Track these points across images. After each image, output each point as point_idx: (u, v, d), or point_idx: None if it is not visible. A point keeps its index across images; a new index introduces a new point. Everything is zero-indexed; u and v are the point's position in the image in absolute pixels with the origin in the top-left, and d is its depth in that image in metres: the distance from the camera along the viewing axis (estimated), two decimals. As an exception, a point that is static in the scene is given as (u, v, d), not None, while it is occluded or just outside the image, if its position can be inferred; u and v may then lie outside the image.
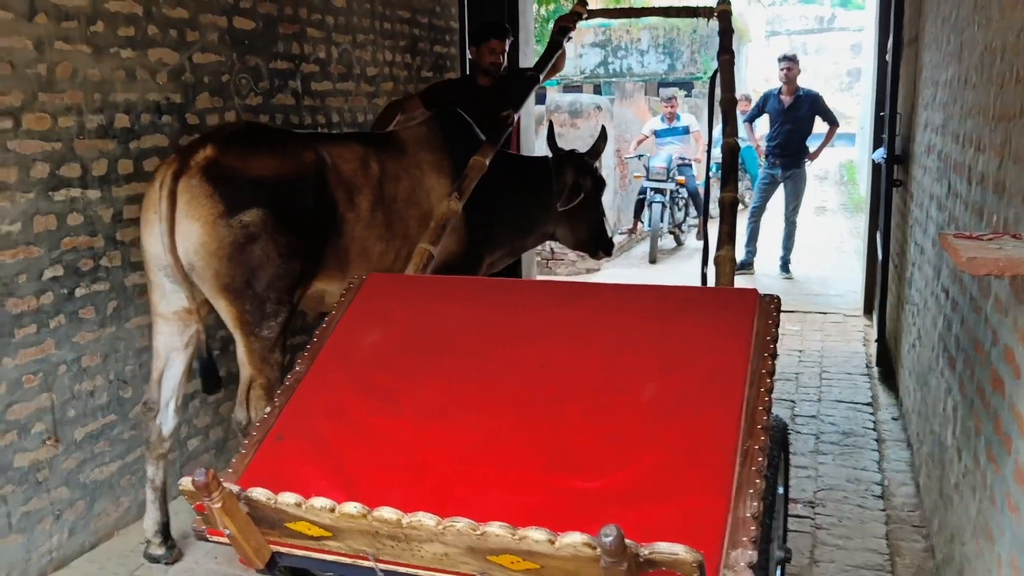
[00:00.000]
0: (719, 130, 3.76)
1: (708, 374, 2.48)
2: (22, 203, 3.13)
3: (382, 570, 2.13)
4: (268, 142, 3.43)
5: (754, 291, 2.74)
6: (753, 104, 9.76)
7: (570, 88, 15.19)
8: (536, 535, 1.82)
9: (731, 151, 3.48)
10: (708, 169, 5.17)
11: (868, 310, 6.98)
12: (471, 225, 4.08)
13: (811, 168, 9.13)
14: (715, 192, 5.91)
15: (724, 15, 4.17)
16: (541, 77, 4.55)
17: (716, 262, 3.08)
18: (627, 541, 1.70)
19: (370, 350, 2.85)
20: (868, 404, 5.11)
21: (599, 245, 4.78)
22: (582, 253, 4.98)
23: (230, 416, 4.20)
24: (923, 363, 4.00)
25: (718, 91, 3.86)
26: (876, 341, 5.71)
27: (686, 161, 10.43)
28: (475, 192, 3.70)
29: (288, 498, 2.07)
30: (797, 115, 8.39)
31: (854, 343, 6.36)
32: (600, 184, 4.69)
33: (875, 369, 5.70)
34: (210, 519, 2.26)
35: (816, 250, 9.86)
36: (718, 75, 3.89)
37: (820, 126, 8.93)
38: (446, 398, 2.57)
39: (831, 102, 9.21)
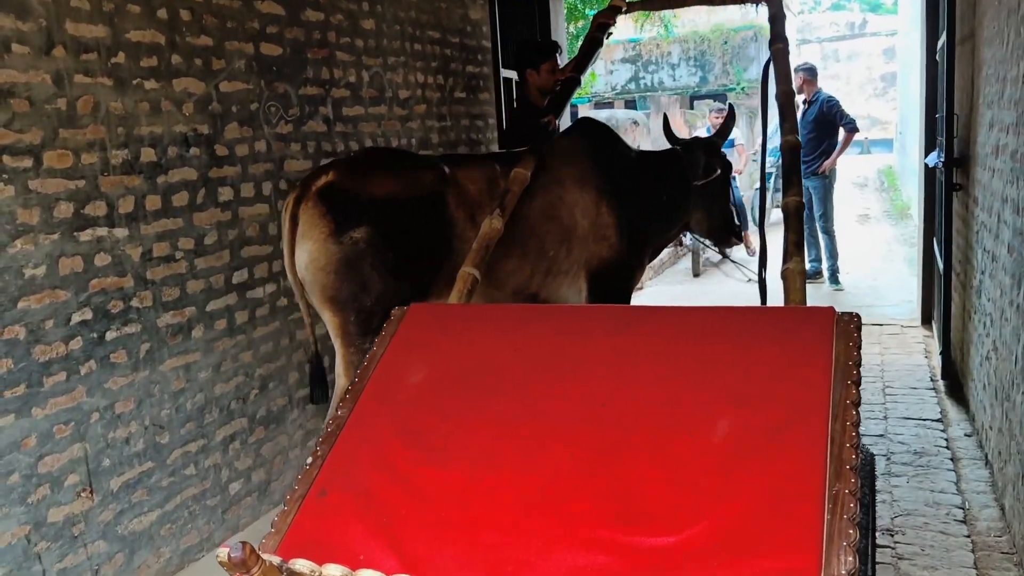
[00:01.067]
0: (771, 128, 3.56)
1: (786, 408, 2.22)
2: (46, 245, 3.01)
3: None
4: (388, 164, 3.62)
5: (831, 310, 2.48)
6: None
7: (602, 105, 15.03)
8: None
9: (791, 149, 3.21)
10: (763, 171, 4.92)
11: (926, 320, 6.69)
12: (622, 227, 4.10)
13: (847, 175, 8.80)
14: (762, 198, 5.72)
15: (774, 0, 3.90)
16: (581, 78, 4.40)
17: (784, 276, 2.84)
18: None
19: (414, 390, 2.67)
20: (938, 420, 4.83)
21: (730, 231, 4.71)
22: (712, 243, 5.04)
23: (273, 458, 4.06)
24: (1002, 377, 3.73)
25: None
26: (940, 353, 5.42)
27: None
28: (619, 193, 3.93)
29: (333, 570, 1.90)
30: (812, 121, 8.11)
31: (915, 355, 6.07)
32: (728, 165, 4.63)
33: (940, 383, 5.41)
34: None
35: (863, 259, 9.55)
36: (771, 66, 3.66)
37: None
38: (498, 444, 2.36)
39: (865, 108, 8.94)
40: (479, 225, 3.61)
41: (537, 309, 3.41)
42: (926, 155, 6.29)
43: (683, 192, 4.43)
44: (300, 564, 1.94)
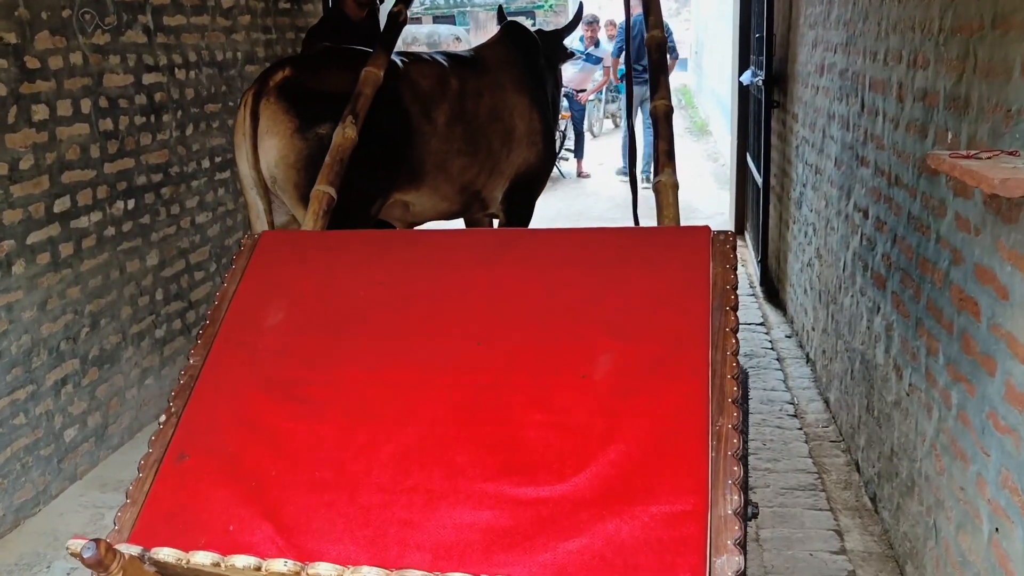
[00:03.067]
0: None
1: (666, 338, 2.20)
2: None
3: None
4: (343, 60, 3.56)
5: (706, 229, 2.44)
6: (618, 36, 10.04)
7: (411, 21, 14.62)
8: None
9: (658, 47, 3.01)
10: (629, 87, 5.02)
11: (739, 231, 7.13)
12: (546, 133, 4.33)
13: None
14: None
15: None
16: None
17: (656, 189, 2.72)
18: None
19: (273, 334, 2.45)
20: (760, 324, 5.21)
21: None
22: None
23: (109, 400, 3.77)
24: (827, 281, 4.04)
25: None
26: (759, 262, 5.81)
27: (576, 92, 10.40)
28: (543, 100, 4.20)
29: (203, 558, 1.76)
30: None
31: (733, 265, 6.46)
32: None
33: (759, 289, 5.81)
34: None
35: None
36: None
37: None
38: (370, 392, 2.22)
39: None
40: (433, 120, 3.70)
41: (401, 235, 3.28)
42: (740, 74, 6.59)
43: (558, 85, 4.79)
44: (165, 553, 1.79)
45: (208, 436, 2.18)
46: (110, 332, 3.78)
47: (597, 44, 10.65)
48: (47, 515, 3.37)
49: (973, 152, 1.88)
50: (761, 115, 5.54)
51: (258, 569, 1.72)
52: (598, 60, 10.50)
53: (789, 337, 4.97)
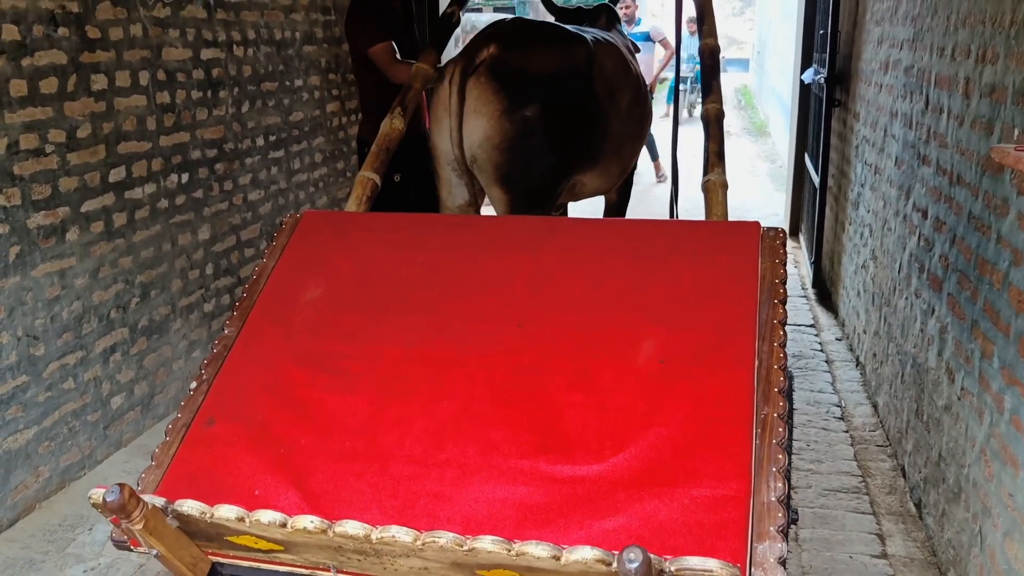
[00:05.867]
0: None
1: (712, 328, 2.16)
2: (-99, 132, 2.64)
3: None
4: (544, 37, 3.59)
5: (756, 224, 2.42)
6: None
7: (470, 10, 14.64)
8: (537, 550, 1.54)
9: (711, 53, 3.12)
10: (677, 81, 4.91)
11: (793, 233, 6.99)
12: (646, 128, 4.26)
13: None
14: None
15: None
16: None
17: (705, 188, 2.74)
18: (652, 557, 1.44)
19: (311, 308, 2.44)
20: (811, 326, 5.10)
21: None
22: None
23: (156, 370, 3.83)
24: (882, 284, 3.94)
25: None
26: (812, 263, 5.69)
27: None
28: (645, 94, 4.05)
29: (227, 512, 1.72)
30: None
31: (787, 265, 6.35)
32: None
33: (811, 291, 5.69)
34: (131, 531, 1.90)
35: (730, 175, 9.84)
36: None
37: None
38: (406, 368, 2.20)
39: (722, 27, 9.08)
40: (617, 102, 3.69)
41: (445, 219, 3.22)
42: (802, 72, 6.47)
43: None
44: (189, 505, 1.76)
45: (238, 403, 2.18)
46: (160, 303, 3.84)
47: (637, 22, 9.58)
48: (92, 479, 3.44)
49: (1038, 145, 1.80)
50: (822, 114, 5.43)
51: (283, 526, 1.70)
52: (647, 37, 9.23)
53: (839, 340, 4.86)
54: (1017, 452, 2.17)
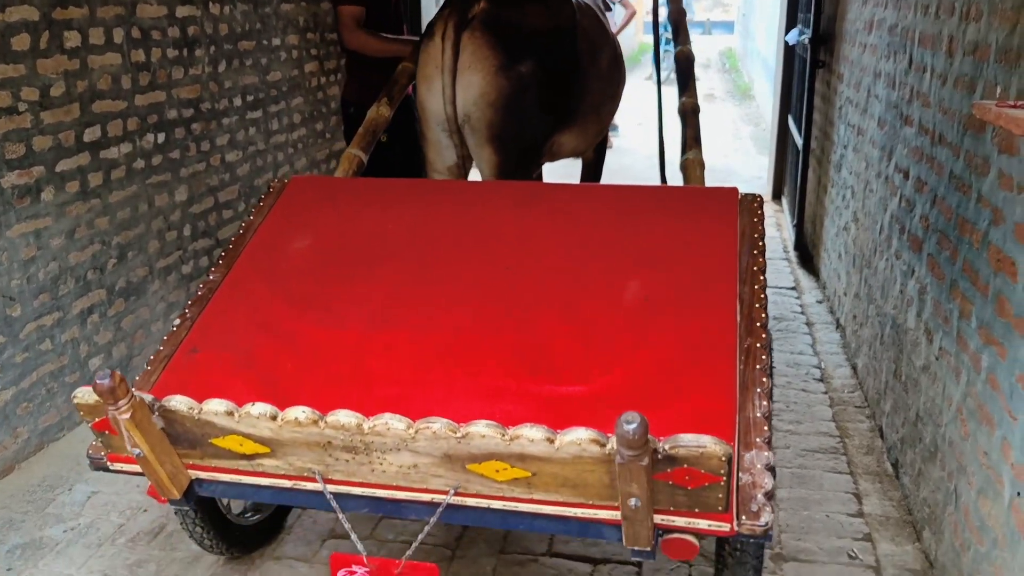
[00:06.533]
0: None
1: (695, 271, 2.25)
2: None
3: (331, 492, 1.83)
4: None
5: (734, 190, 2.57)
6: None
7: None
8: (532, 433, 1.58)
9: (686, 59, 3.38)
10: (657, 50, 4.83)
11: (776, 195, 7.00)
12: (620, 89, 4.17)
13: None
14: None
15: None
16: None
17: (684, 166, 2.92)
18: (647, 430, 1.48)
19: (298, 256, 2.47)
20: (792, 288, 5.12)
21: None
22: None
23: (134, 332, 3.80)
24: (863, 246, 3.95)
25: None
26: (794, 226, 5.70)
27: None
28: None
29: (216, 406, 1.73)
30: None
31: (769, 228, 6.33)
32: None
33: (792, 254, 5.71)
34: (111, 442, 1.88)
35: (714, 138, 9.84)
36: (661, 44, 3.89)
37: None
38: (394, 304, 2.23)
39: None
40: (598, 61, 3.65)
41: (433, 183, 3.26)
42: (786, 33, 6.42)
43: None
44: (177, 401, 1.76)
45: (223, 335, 2.19)
46: (137, 264, 3.80)
47: None
48: (70, 441, 3.42)
49: (1021, 102, 1.79)
50: (806, 75, 5.40)
51: (274, 419, 1.71)
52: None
53: (820, 302, 4.88)
54: (993, 411, 2.19)
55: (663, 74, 5.04)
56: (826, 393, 3.82)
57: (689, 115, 3.12)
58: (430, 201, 2.72)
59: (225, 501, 2.52)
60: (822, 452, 3.31)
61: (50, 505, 2.99)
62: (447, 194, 2.87)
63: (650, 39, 11.01)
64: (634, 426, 1.46)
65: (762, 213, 2.47)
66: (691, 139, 3.01)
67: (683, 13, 3.74)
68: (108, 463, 1.99)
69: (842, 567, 2.63)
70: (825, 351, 4.26)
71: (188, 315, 2.26)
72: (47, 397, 3.34)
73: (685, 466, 1.56)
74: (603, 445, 1.55)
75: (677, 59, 3.44)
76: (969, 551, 2.28)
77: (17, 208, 3.13)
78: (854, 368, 4.00)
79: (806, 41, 5.28)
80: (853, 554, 2.69)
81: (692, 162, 2.90)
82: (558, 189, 2.88)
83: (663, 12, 4.26)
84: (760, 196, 2.53)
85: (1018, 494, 1.97)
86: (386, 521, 2.84)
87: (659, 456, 1.55)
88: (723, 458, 1.53)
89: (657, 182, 4.44)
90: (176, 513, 2.37)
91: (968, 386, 2.39)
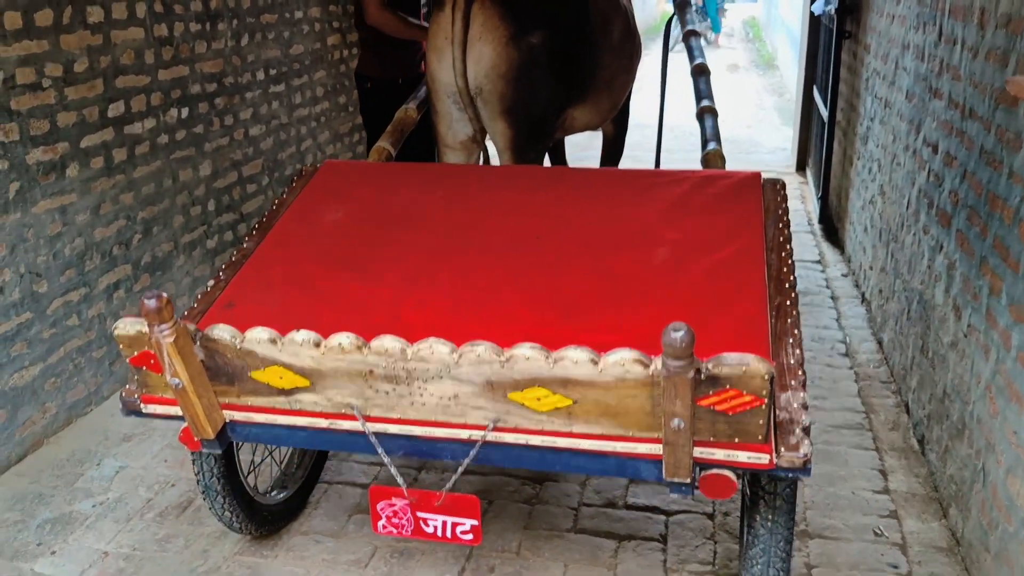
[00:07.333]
0: None
1: (723, 238, 2.30)
2: None
3: (371, 431, 1.83)
4: None
5: (758, 173, 2.60)
6: None
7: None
8: (576, 354, 1.59)
9: (701, 72, 3.43)
10: (666, 37, 4.71)
11: (800, 167, 6.92)
12: (636, 62, 4.10)
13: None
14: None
15: None
16: None
17: (705, 159, 2.96)
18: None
19: (333, 226, 2.52)
20: (817, 262, 5.07)
21: None
22: None
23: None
24: (889, 219, 3.90)
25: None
26: (820, 198, 5.64)
27: None
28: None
29: (260, 333, 1.74)
30: None
31: (793, 201, 6.28)
32: None
33: (817, 227, 5.65)
34: (148, 379, 1.88)
35: (738, 109, 9.73)
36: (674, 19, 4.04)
37: None
38: (430, 265, 2.27)
39: None
40: (609, 34, 3.61)
41: (460, 167, 3.28)
42: (812, 3, 6.32)
43: None
44: (220, 329, 1.77)
45: (259, 291, 2.21)
46: (162, 240, 3.82)
47: None
48: (99, 415, 3.47)
49: (1056, 76, 1.75)
50: (832, 46, 5.31)
51: (317, 346, 1.72)
52: None
53: (845, 276, 4.84)
54: (1022, 388, 2.17)
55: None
56: (851, 368, 3.79)
57: (708, 118, 3.17)
58: (462, 181, 2.79)
59: (251, 480, 2.54)
60: (847, 428, 3.29)
61: (79, 480, 3.03)
62: (477, 175, 2.95)
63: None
64: (681, 333, 1.48)
65: (785, 194, 2.51)
66: (711, 136, 3.07)
67: (687, 2, 3.90)
68: (141, 405, 1.99)
69: (868, 544, 2.62)
70: (850, 325, 4.23)
71: (222, 277, 2.28)
72: (74, 372, 3.38)
73: (727, 387, 1.56)
74: (647, 366, 1.57)
75: (693, 73, 3.48)
76: (997, 529, 2.27)
77: (42, 184, 3.15)
78: (879, 343, 3.97)
79: (832, 11, 5.19)
80: (879, 531, 2.68)
81: (714, 154, 2.94)
82: (585, 171, 2.91)
83: None
84: (783, 181, 2.57)
85: (1049, 474, 1.95)
86: (423, 474, 2.85)
87: (702, 376, 1.56)
88: (765, 376, 1.54)
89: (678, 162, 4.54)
90: (202, 494, 2.39)
91: (998, 363, 2.36)
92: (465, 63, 3.16)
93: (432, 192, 2.65)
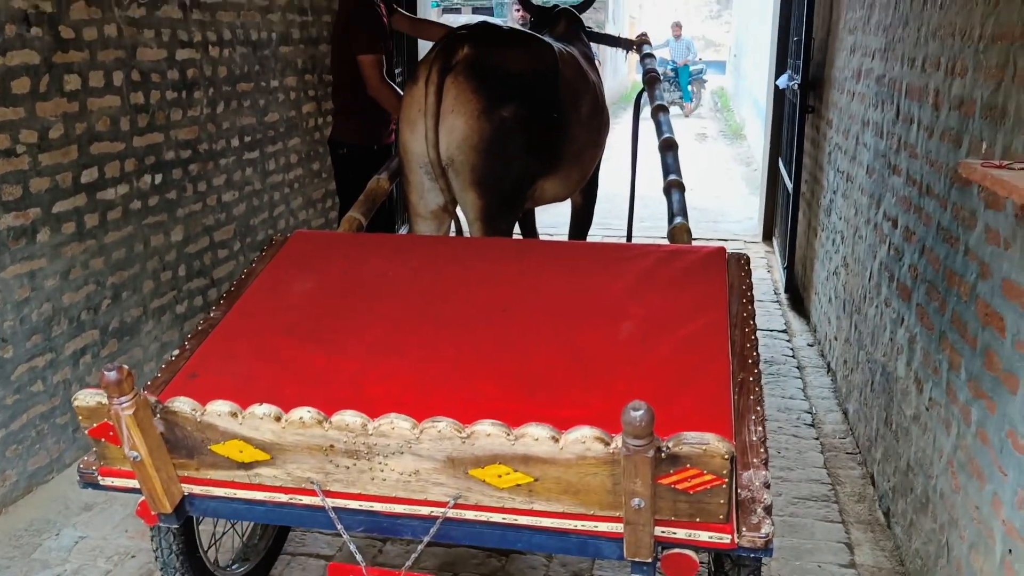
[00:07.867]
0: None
1: (688, 314, 2.33)
2: None
3: (331, 507, 1.81)
4: (514, 38, 3.59)
5: (722, 248, 2.66)
6: None
7: (449, 11, 14.63)
8: (537, 431, 1.60)
9: (669, 147, 3.54)
10: (637, 109, 4.82)
11: (767, 236, 7.05)
12: (605, 133, 4.25)
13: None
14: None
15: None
16: None
17: (672, 234, 3.02)
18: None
19: (300, 296, 2.54)
20: (783, 331, 5.14)
21: None
22: None
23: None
24: (852, 291, 3.98)
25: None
26: (785, 268, 5.74)
27: None
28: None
29: (221, 407, 1.73)
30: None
31: (759, 270, 6.39)
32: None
33: (783, 296, 5.74)
34: (106, 451, 1.85)
35: (706, 178, 9.92)
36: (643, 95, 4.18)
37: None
38: (395, 336, 2.28)
39: (700, 29, 9.66)
40: (579, 108, 3.71)
41: (430, 238, 3.34)
42: (777, 77, 6.51)
43: None
44: (181, 402, 1.76)
45: (223, 362, 2.20)
46: (131, 305, 3.81)
47: None
48: (59, 483, 3.40)
49: (1007, 162, 1.83)
50: (795, 120, 5.47)
51: (278, 419, 1.71)
52: None
53: (811, 346, 4.91)
54: (983, 465, 2.20)
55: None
56: (817, 439, 3.82)
57: (674, 192, 3.24)
58: (431, 252, 2.83)
59: (212, 555, 2.50)
60: (813, 500, 3.31)
61: (36, 550, 2.96)
62: (446, 247, 3.00)
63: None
64: (641, 412, 1.49)
65: (749, 269, 2.56)
66: (678, 210, 3.14)
67: (656, 79, 4.06)
68: (99, 477, 1.96)
69: (834, 618, 2.62)
70: (816, 395, 4.27)
71: (188, 347, 2.28)
72: (36, 439, 3.33)
73: (688, 466, 1.57)
74: (607, 443, 1.57)
75: (660, 148, 3.58)
76: (961, 605, 2.28)
77: (12, 249, 3.14)
78: (845, 413, 4.01)
79: (795, 86, 5.36)
80: (845, 605, 2.68)
81: (680, 228, 3.01)
82: (553, 244, 2.95)
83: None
84: (747, 255, 2.63)
85: (1010, 551, 1.97)
86: (388, 546, 2.82)
87: (663, 455, 1.57)
88: (726, 456, 1.55)
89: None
90: (160, 570, 2.35)
91: (959, 439, 2.40)
92: (438, 134, 3.23)
93: (401, 263, 2.68)
